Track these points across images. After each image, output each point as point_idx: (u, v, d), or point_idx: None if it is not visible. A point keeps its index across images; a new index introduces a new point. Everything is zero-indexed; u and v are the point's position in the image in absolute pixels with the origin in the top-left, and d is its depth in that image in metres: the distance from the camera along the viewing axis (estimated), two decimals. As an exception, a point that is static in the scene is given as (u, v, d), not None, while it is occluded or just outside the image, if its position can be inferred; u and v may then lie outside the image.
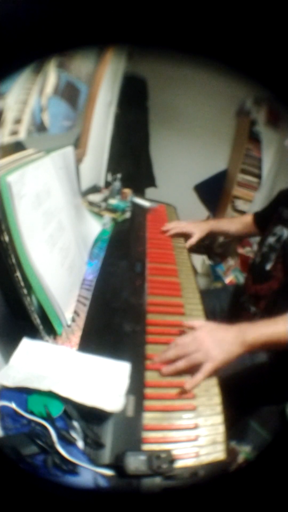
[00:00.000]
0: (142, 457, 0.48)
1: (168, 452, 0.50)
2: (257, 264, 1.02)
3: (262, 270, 0.98)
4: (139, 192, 1.68)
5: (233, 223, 1.32)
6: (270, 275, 0.96)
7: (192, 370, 0.64)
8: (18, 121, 0.87)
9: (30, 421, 0.51)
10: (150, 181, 2.50)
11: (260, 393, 0.92)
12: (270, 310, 0.95)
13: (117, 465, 0.48)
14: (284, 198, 1.06)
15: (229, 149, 2.52)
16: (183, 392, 0.61)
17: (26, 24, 0.38)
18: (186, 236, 1.21)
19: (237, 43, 0.39)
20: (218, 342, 0.64)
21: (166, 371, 0.63)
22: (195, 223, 1.27)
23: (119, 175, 1.44)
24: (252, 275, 1.05)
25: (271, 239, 0.99)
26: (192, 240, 1.19)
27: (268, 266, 0.97)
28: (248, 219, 1.26)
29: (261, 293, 0.98)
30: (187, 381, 0.61)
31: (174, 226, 1.22)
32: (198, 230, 1.21)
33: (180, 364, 0.63)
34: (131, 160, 2.25)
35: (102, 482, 0.47)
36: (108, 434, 0.53)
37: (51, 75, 1.02)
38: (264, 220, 1.16)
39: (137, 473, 0.47)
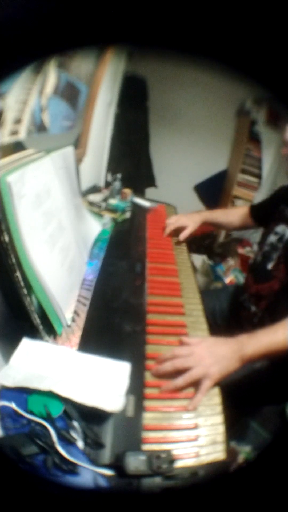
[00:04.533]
0: (142, 457, 0.48)
1: (168, 452, 0.50)
2: (258, 263, 1.01)
3: (263, 270, 0.97)
4: (139, 192, 1.68)
5: (227, 215, 1.32)
6: (271, 275, 0.95)
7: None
8: (18, 121, 0.87)
9: (30, 421, 0.51)
10: (150, 181, 2.50)
11: (260, 393, 0.92)
12: (271, 311, 0.94)
13: (117, 465, 0.48)
14: (285, 195, 1.05)
15: (229, 149, 2.52)
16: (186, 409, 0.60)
17: (26, 24, 0.38)
18: (181, 229, 1.20)
19: (237, 43, 0.39)
20: (217, 358, 0.63)
21: (165, 389, 0.61)
22: (188, 215, 1.26)
23: (119, 175, 1.44)
24: (253, 274, 1.04)
25: (272, 238, 0.98)
26: (186, 232, 1.19)
27: (270, 266, 0.96)
28: (243, 211, 1.25)
29: (262, 293, 0.97)
30: (189, 404, 0.60)
31: (169, 224, 1.22)
32: (191, 222, 1.21)
33: (180, 382, 0.61)
34: (131, 160, 2.25)
35: (102, 482, 0.47)
36: (108, 434, 0.53)
37: (51, 75, 1.02)
38: (262, 214, 1.16)
39: (137, 473, 0.47)
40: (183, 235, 1.19)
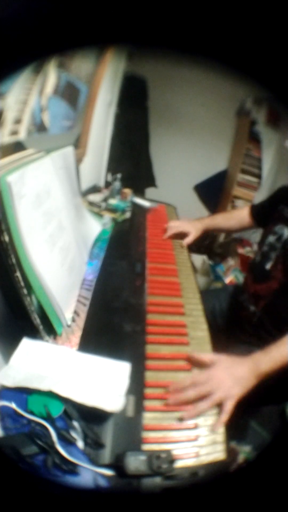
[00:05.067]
0: (142, 457, 0.48)
1: (168, 452, 0.50)
2: (257, 263, 1.01)
3: (262, 269, 0.98)
4: (139, 192, 1.68)
5: (227, 219, 1.32)
6: (270, 275, 0.95)
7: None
8: (18, 121, 0.87)
9: (30, 421, 0.51)
10: (150, 181, 2.50)
11: (260, 393, 0.92)
12: (269, 310, 0.94)
13: (117, 465, 0.48)
14: (285, 195, 1.05)
15: (229, 149, 2.52)
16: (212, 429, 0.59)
17: (26, 24, 0.38)
18: (183, 235, 1.20)
19: (237, 43, 0.39)
20: (236, 379, 0.64)
21: (188, 416, 0.59)
22: (191, 222, 1.26)
23: (119, 175, 1.44)
24: (252, 274, 1.05)
25: (271, 238, 0.98)
26: (189, 239, 1.19)
27: (268, 266, 0.96)
28: (243, 213, 1.25)
29: (260, 293, 0.97)
30: (215, 423, 0.59)
31: (170, 227, 1.22)
32: (194, 229, 1.21)
33: (204, 406, 0.60)
34: (131, 160, 2.25)
35: (102, 482, 0.47)
36: (108, 434, 0.53)
37: (51, 75, 1.02)
38: (262, 214, 1.15)
39: (137, 473, 0.47)
40: (186, 242, 1.18)
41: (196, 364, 0.69)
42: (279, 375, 0.70)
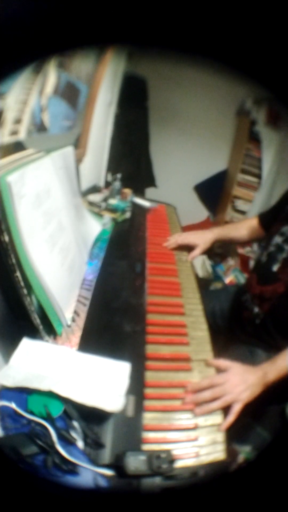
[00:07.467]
0: (142, 457, 0.48)
1: (168, 452, 0.50)
2: (262, 263, 0.99)
3: (268, 271, 0.96)
4: (139, 192, 1.68)
5: (238, 229, 1.25)
6: (276, 277, 0.93)
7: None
8: (18, 121, 0.87)
9: (30, 421, 0.51)
10: (150, 181, 2.50)
11: (260, 394, 0.91)
12: (273, 313, 0.93)
13: (117, 465, 0.48)
14: None
15: (229, 149, 2.52)
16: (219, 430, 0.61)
17: (26, 24, 0.38)
18: (189, 247, 1.15)
19: (237, 43, 0.39)
20: (247, 385, 0.68)
21: (200, 412, 0.62)
22: (198, 233, 1.20)
23: (119, 175, 1.44)
24: (257, 275, 1.02)
25: (278, 239, 0.96)
26: (195, 253, 1.13)
27: (275, 268, 0.94)
28: (253, 222, 1.20)
29: (265, 295, 0.96)
30: (223, 424, 0.62)
31: (175, 239, 1.16)
32: (201, 241, 1.15)
33: (215, 406, 0.63)
34: (131, 160, 2.25)
35: (102, 482, 0.47)
36: (108, 434, 0.53)
37: (51, 75, 1.02)
38: (271, 221, 1.11)
39: (137, 473, 0.47)
40: (191, 256, 1.13)
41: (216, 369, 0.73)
42: (283, 381, 0.73)
